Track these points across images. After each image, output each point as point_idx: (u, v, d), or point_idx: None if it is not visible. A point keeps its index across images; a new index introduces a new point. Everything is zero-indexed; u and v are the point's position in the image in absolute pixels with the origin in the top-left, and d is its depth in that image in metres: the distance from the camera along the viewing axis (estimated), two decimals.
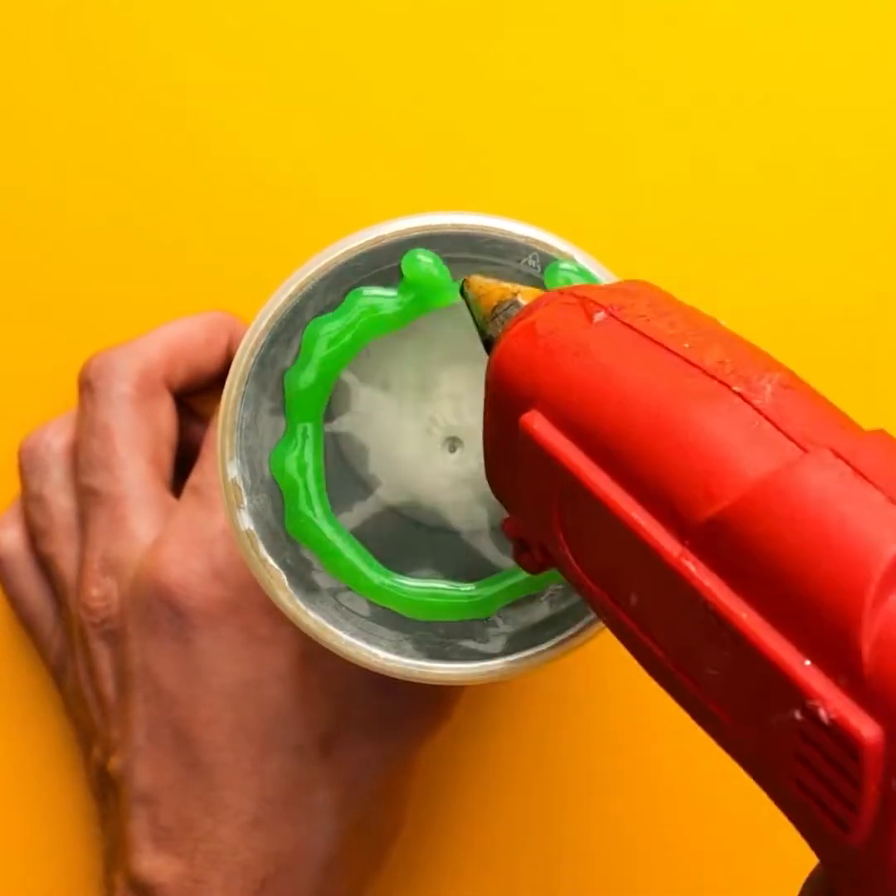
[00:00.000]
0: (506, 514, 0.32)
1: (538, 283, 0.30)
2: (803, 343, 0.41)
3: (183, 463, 0.40)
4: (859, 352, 0.41)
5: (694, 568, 0.21)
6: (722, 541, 0.21)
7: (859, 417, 0.23)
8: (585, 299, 0.25)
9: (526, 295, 0.27)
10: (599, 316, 0.25)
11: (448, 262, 0.30)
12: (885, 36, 0.41)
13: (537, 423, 0.24)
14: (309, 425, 0.30)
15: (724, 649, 0.21)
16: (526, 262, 0.30)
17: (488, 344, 0.27)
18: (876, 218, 0.41)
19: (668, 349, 0.24)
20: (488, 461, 0.27)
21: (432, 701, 0.37)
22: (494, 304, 0.27)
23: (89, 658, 0.39)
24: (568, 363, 0.24)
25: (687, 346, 0.24)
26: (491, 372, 0.26)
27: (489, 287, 0.28)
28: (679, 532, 0.22)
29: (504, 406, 0.25)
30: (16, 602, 0.41)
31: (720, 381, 0.23)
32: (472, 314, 0.28)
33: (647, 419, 0.23)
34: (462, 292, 0.29)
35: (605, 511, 0.23)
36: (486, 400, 0.27)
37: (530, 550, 0.27)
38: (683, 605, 0.21)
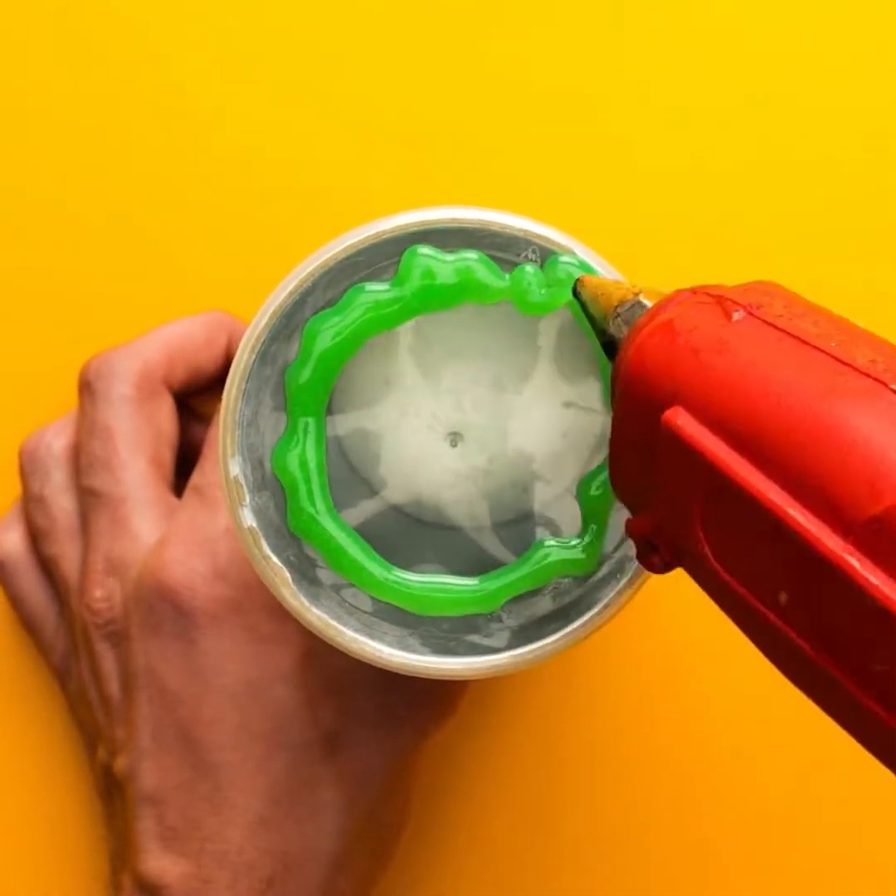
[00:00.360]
0: (505, 513, 0.32)
1: None
2: None
3: (184, 463, 0.40)
4: None
5: (858, 564, 0.21)
6: (886, 538, 0.21)
7: None
8: (722, 298, 0.25)
9: (649, 295, 0.27)
10: (738, 315, 0.25)
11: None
12: (886, 36, 0.41)
13: (681, 419, 0.24)
14: (310, 421, 0.30)
15: (894, 644, 0.21)
16: (525, 256, 0.30)
17: (608, 344, 0.27)
18: (877, 218, 0.41)
19: (816, 347, 0.23)
20: (615, 461, 0.27)
21: (437, 696, 0.37)
22: (615, 304, 0.27)
23: (93, 659, 0.39)
24: (712, 360, 0.24)
25: (833, 344, 0.23)
26: (624, 370, 0.26)
27: (607, 286, 0.28)
28: (841, 529, 0.22)
29: (641, 404, 0.25)
30: (18, 604, 0.41)
31: (876, 379, 0.22)
32: (589, 314, 0.28)
33: (800, 416, 0.22)
34: (575, 292, 0.28)
35: (758, 507, 0.23)
36: (615, 398, 0.26)
37: (658, 551, 0.26)
38: (844, 601, 0.21)
